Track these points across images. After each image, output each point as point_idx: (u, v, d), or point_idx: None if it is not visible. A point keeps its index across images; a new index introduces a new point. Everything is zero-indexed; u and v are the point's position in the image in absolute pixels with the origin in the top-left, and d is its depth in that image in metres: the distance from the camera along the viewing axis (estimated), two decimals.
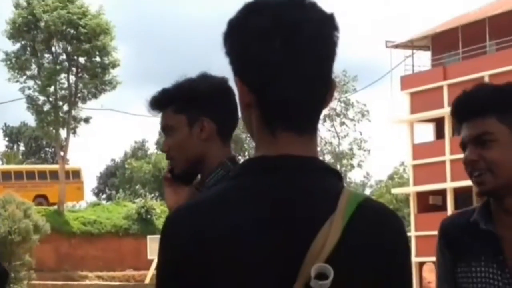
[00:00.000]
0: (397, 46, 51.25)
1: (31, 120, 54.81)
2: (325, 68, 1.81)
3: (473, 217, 2.77)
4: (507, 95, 2.75)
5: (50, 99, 51.89)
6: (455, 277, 2.81)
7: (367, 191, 78.04)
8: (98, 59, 51.02)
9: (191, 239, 1.75)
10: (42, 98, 51.91)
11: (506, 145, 2.69)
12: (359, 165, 77.54)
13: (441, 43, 48.55)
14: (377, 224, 1.78)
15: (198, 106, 3.06)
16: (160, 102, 3.18)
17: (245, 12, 1.81)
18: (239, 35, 1.80)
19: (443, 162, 46.32)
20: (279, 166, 1.78)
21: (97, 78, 50.92)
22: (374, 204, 1.82)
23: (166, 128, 3.15)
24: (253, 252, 1.72)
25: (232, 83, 1.90)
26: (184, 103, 3.08)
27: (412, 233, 49.09)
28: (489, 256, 2.73)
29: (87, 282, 42.60)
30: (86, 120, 53.24)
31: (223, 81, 3.09)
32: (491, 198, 2.76)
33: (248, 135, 2.00)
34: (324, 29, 1.80)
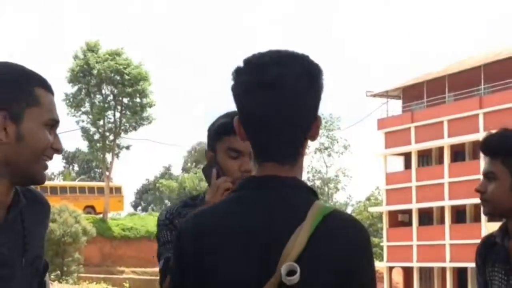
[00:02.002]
0: (375, 95, 51.31)
1: (83, 146, 55.04)
2: (301, 115, 1.77)
3: (495, 234, 2.80)
4: (510, 143, 2.70)
5: (100, 130, 52.07)
6: (487, 277, 2.82)
7: (349, 209, 77.65)
8: (138, 100, 51.20)
9: (192, 240, 1.78)
10: (93, 129, 52.12)
11: (504, 183, 2.68)
12: (343, 189, 77.41)
13: (410, 93, 48.59)
14: (341, 232, 1.73)
15: None
16: None
17: (235, 71, 1.80)
18: (233, 85, 1.79)
19: (410, 187, 46.16)
20: (265, 184, 1.78)
21: (137, 115, 51.09)
22: (341, 215, 1.77)
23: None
24: (240, 252, 1.73)
25: None
26: None
27: (384, 243, 48.90)
28: (501, 264, 2.74)
29: (124, 275, 42.39)
30: (128, 148, 53.42)
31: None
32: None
33: None
34: (301, 84, 1.75)
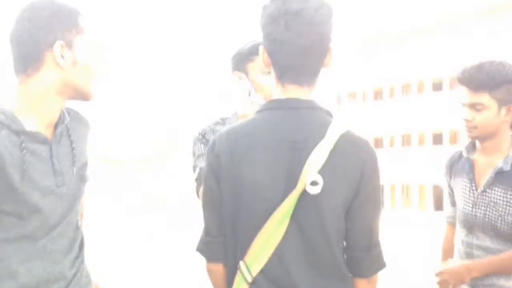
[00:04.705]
0: None
1: None
2: (319, 42, 1.78)
3: (462, 150, 2.85)
4: (498, 77, 2.58)
5: None
6: (452, 186, 2.85)
7: None
8: None
9: (226, 150, 1.80)
10: None
11: (491, 113, 2.64)
12: None
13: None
14: (354, 149, 1.76)
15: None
16: None
17: (263, 6, 1.82)
18: (261, 19, 1.82)
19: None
20: (287, 104, 1.80)
21: None
22: (354, 135, 1.80)
23: None
24: (269, 162, 1.74)
25: None
26: None
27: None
28: (466, 173, 2.79)
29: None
30: None
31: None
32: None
33: None
34: (319, 15, 1.77)
